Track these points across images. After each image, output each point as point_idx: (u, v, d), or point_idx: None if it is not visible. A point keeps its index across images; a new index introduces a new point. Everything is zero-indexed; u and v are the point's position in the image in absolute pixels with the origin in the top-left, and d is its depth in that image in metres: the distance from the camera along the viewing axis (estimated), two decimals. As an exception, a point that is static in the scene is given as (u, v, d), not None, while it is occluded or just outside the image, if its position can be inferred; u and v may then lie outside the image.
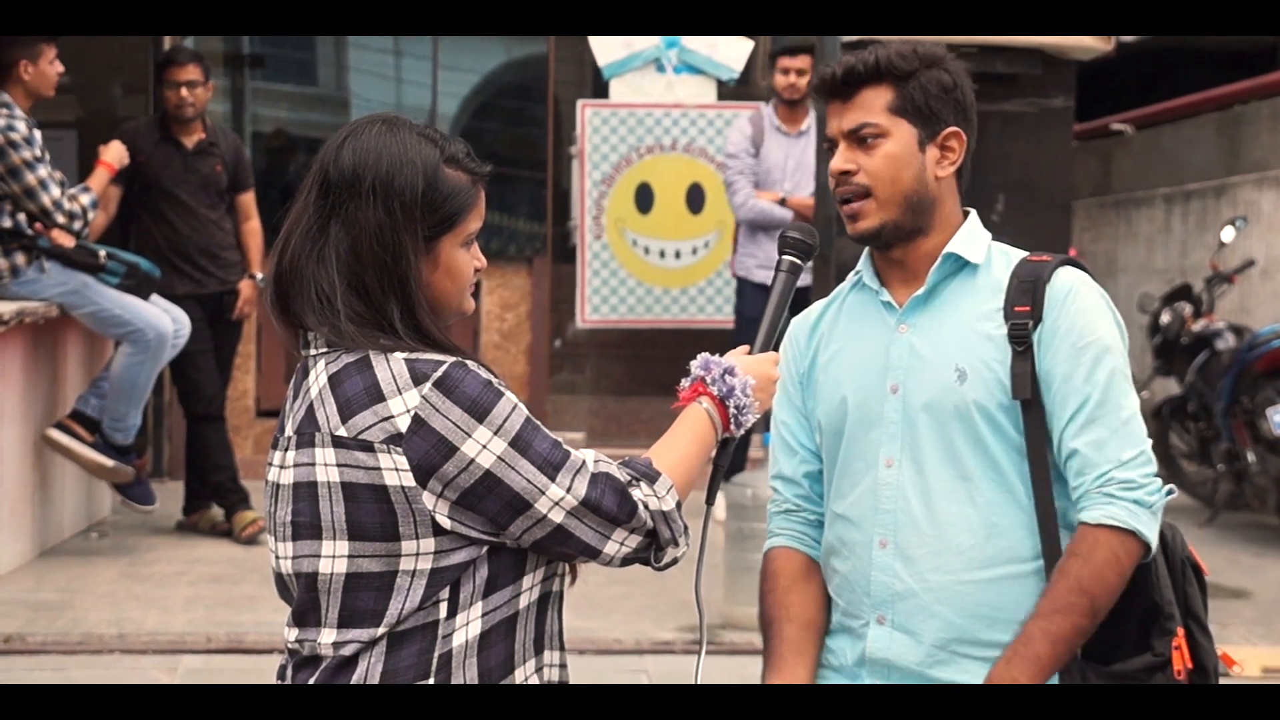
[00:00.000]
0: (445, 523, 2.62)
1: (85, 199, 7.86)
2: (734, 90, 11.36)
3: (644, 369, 11.59)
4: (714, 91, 11.15)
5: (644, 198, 11.03)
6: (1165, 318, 10.37)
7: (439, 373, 2.61)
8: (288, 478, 2.71)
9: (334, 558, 2.66)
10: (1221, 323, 10.13)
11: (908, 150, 3.06)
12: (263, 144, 11.19)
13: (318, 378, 2.69)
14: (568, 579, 2.84)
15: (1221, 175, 11.77)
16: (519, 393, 10.77)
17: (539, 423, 2.68)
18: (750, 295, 9.35)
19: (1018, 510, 3.03)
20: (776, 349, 3.08)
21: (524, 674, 2.73)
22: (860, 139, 3.06)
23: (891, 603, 3.08)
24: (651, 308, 11.00)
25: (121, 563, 8.11)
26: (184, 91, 8.54)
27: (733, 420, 2.88)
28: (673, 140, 11.01)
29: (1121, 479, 2.97)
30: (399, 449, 2.59)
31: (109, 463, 8.02)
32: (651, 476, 2.73)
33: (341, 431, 2.63)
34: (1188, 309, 10.30)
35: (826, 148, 3.14)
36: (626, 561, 2.72)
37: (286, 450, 2.72)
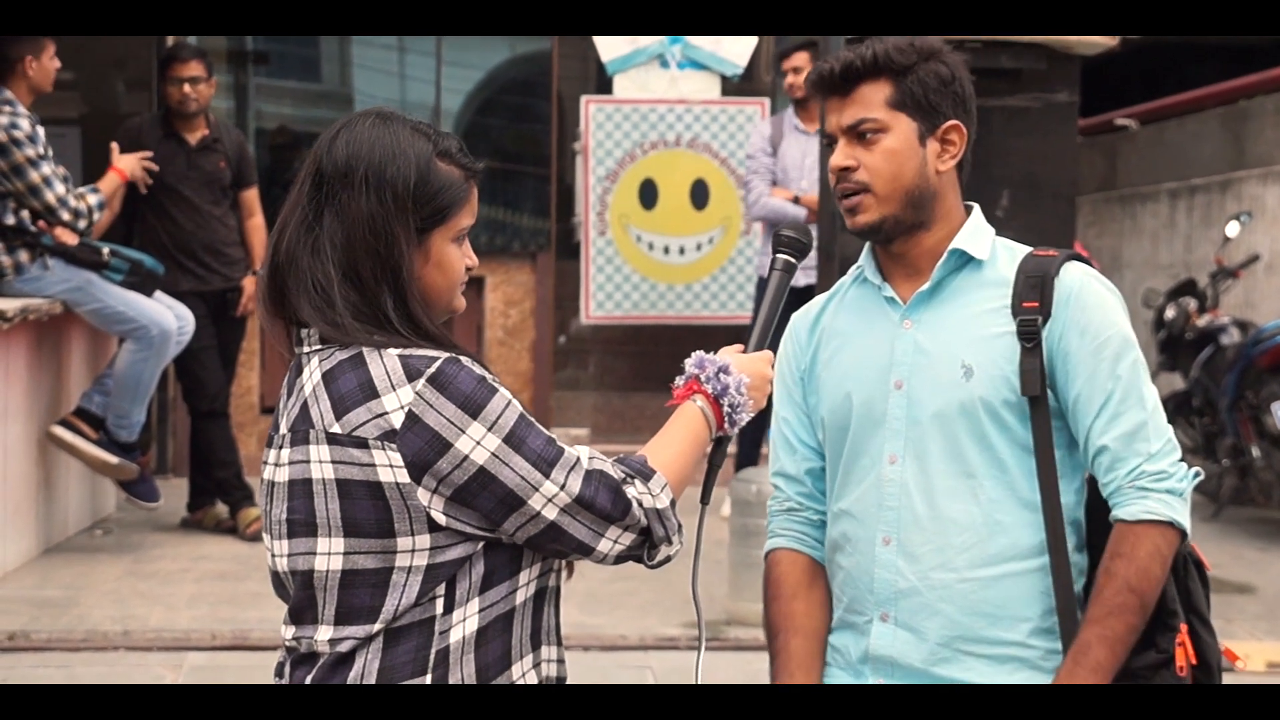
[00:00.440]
0: (440, 519, 2.62)
1: (93, 199, 7.86)
2: (738, 86, 11.35)
3: (648, 365, 11.59)
4: (718, 87, 11.14)
5: (648, 193, 11.02)
6: (1170, 313, 10.36)
7: (432, 369, 2.61)
8: (283, 475, 2.71)
9: (329, 555, 2.66)
10: (1226, 318, 10.12)
11: (908, 145, 3.05)
12: (266, 140, 11.19)
13: (311, 375, 2.69)
14: (564, 574, 2.84)
15: (1226, 170, 11.75)
16: (523, 389, 10.75)
17: (533, 419, 2.68)
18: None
19: (1021, 507, 3.02)
20: (773, 348, 3.07)
21: (521, 670, 2.72)
22: (860, 134, 3.05)
23: (895, 600, 3.07)
24: (656, 304, 10.99)
25: (126, 560, 8.11)
26: (187, 88, 8.54)
27: (727, 419, 2.90)
28: (677, 136, 11.01)
29: (1153, 471, 2.97)
30: (393, 445, 2.59)
31: (113, 460, 8.03)
32: (646, 474, 2.73)
33: (336, 428, 2.63)
34: (1192, 304, 10.29)
35: (826, 144, 3.13)
36: (620, 559, 2.72)
37: (281, 448, 2.72)
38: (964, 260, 3.10)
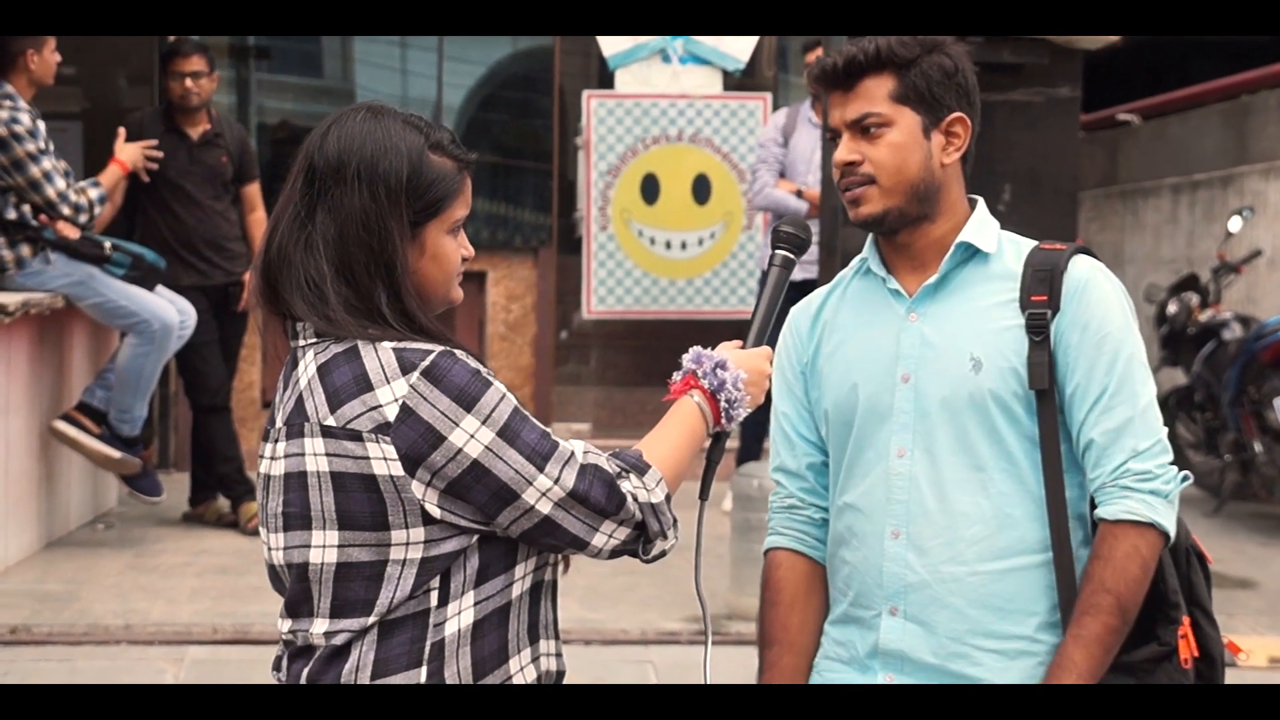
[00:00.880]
0: (435, 512, 2.61)
1: (94, 193, 7.85)
2: (740, 81, 11.35)
3: (650, 360, 11.59)
4: (720, 82, 11.14)
5: (650, 188, 11.02)
6: (1172, 308, 10.36)
7: (427, 362, 2.61)
8: (278, 469, 2.71)
9: (324, 548, 2.66)
10: (1228, 313, 10.12)
11: (912, 138, 3.04)
12: (268, 135, 11.19)
13: (306, 368, 2.69)
14: (560, 568, 2.83)
15: (1228, 165, 11.75)
16: (525, 384, 10.73)
17: (528, 412, 2.68)
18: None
19: (1030, 501, 3.01)
20: (771, 343, 3.07)
21: (519, 664, 2.72)
22: (864, 129, 3.03)
23: (904, 594, 3.06)
24: (658, 299, 10.99)
25: (128, 554, 8.11)
26: (189, 82, 8.54)
27: (724, 414, 2.89)
28: (679, 131, 11.00)
29: (1137, 470, 2.96)
30: (387, 438, 2.59)
31: (115, 454, 8.02)
32: (641, 468, 2.72)
33: (330, 421, 2.63)
34: (1194, 299, 10.29)
35: (830, 138, 3.12)
36: (615, 554, 2.71)
37: (277, 441, 2.73)
38: (970, 253, 3.09)
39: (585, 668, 5.96)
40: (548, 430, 2.67)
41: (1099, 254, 3.15)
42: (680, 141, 11.02)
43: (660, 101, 10.99)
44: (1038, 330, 3.00)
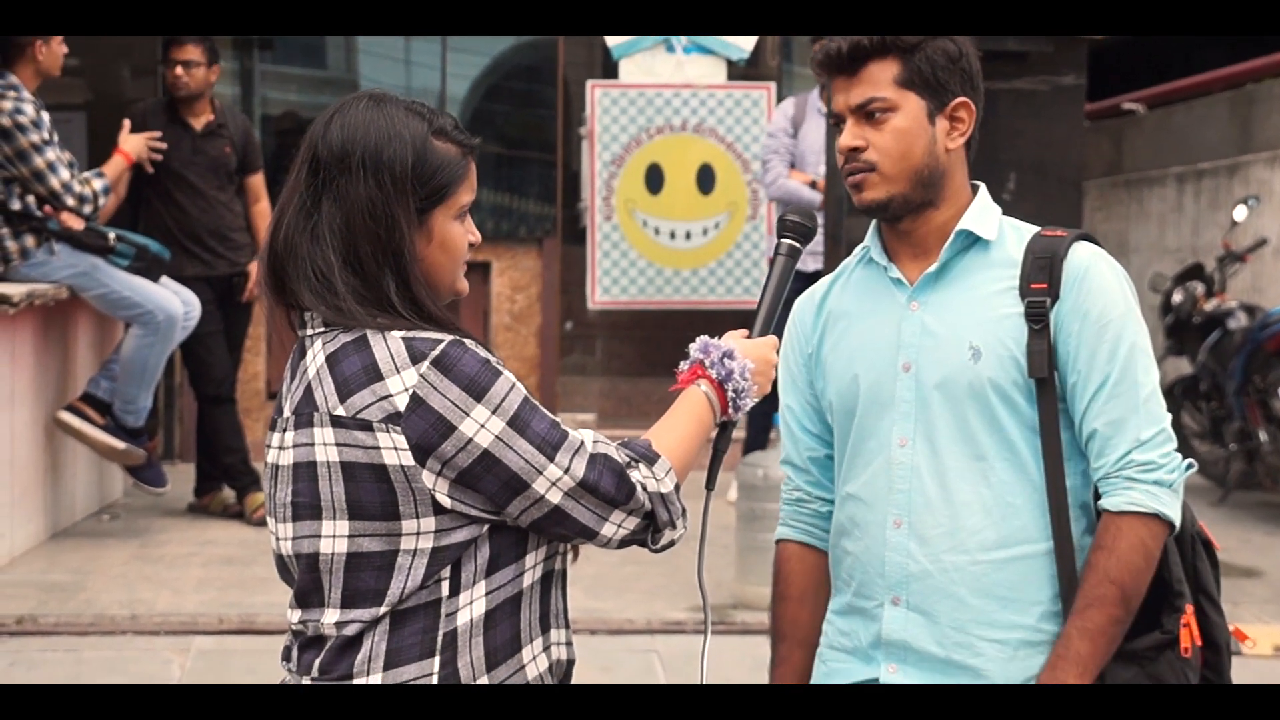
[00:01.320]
0: (445, 501, 2.61)
1: (98, 184, 7.85)
2: (744, 71, 11.33)
3: (655, 350, 11.58)
4: (724, 72, 11.13)
5: (654, 178, 11.02)
6: (1177, 297, 10.35)
7: (436, 351, 2.60)
8: (286, 459, 2.71)
9: (334, 538, 2.66)
10: (1234, 302, 10.10)
11: (917, 123, 3.02)
12: (272, 126, 11.18)
13: (315, 358, 2.68)
14: (569, 557, 2.83)
15: (1234, 154, 11.73)
16: (529, 375, 10.74)
17: (537, 402, 2.67)
18: None
19: (1031, 490, 3.01)
20: (777, 333, 3.06)
21: (531, 653, 2.72)
22: (868, 114, 3.02)
23: (906, 584, 3.06)
24: (662, 289, 10.99)
25: (133, 544, 8.12)
26: (179, 70, 8.52)
27: (731, 404, 2.89)
28: (683, 121, 11.00)
29: (1141, 460, 2.95)
30: (397, 428, 2.59)
31: (120, 445, 8.03)
32: (650, 458, 2.73)
33: (340, 411, 2.62)
34: (1200, 288, 10.27)
35: (833, 123, 3.11)
36: (624, 543, 2.72)
37: (285, 431, 2.72)
38: (971, 241, 3.08)
39: (591, 657, 5.95)
40: (557, 420, 2.68)
41: (1104, 243, 3.14)
42: (684, 131, 11.02)
43: (664, 91, 10.98)
44: (1037, 318, 2.99)
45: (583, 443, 2.66)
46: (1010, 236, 3.09)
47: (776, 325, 3.07)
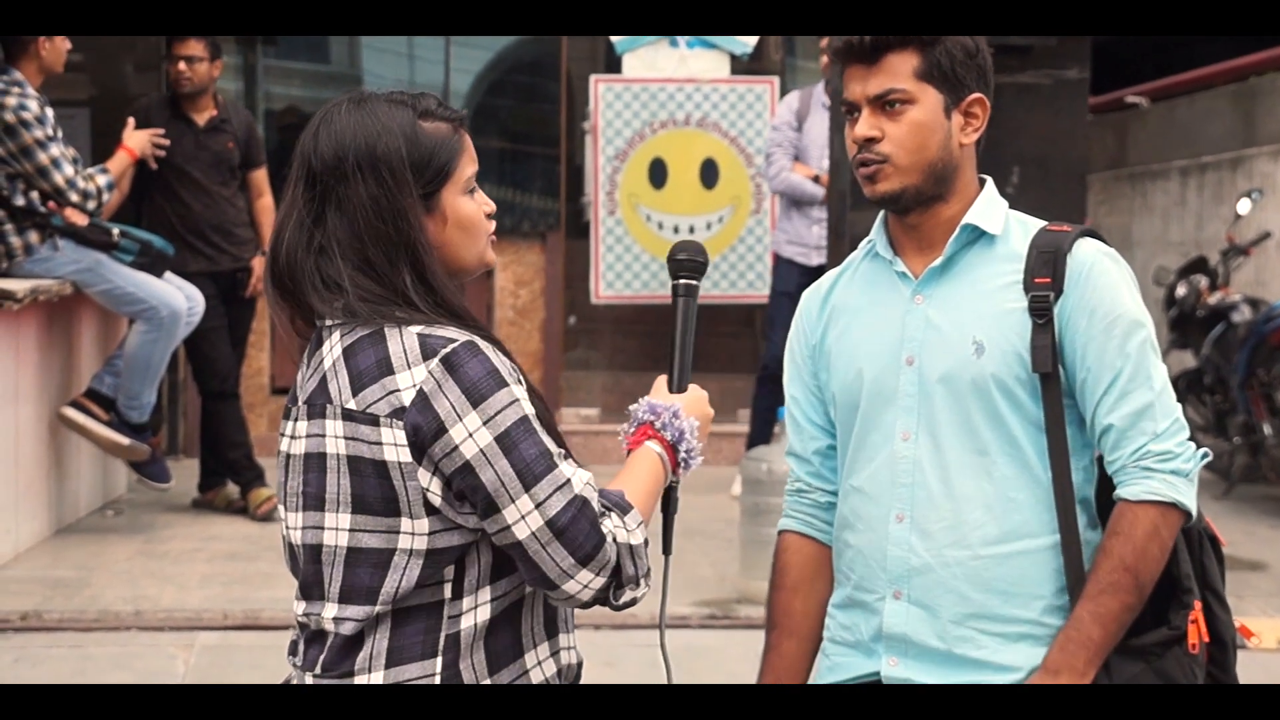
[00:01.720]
0: (436, 501, 2.59)
1: (102, 180, 7.85)
2: (747, 65, 11.32)
3: (658, 345, 11.57)
4: (727, 66, 11.12)
5: (658, 173, 11.01)
6: (1181, 291, 10.34)
7: (448, 349, 2.58)
8: (298, 448, 2.70)
9: (337, 530, 2.65)
10: (1237, 295, 10.10)
11: (934, 117, 3.01)
12: (275, 121, 11.18)
13: (332, 349, 2.67)
14: None
15: (1237, 147, 11.72)
16: (533, 369, 10.74)
17: (539, 428, 2.61)
18: (779, 271, 9.31)
19: (1034, 485, 3.01)
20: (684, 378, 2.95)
21: (535, 658, 2.70)
22: (886, 104, 3.01)
23: (908, 578, 3.06)
24: (666, 283, 10.90)
25: (137, 540, 8.12)
26: (181, 65, 8.52)
27: (682, 464, 2.81)
28: (686, 115, 10.99)
29: (1158, 451, 2.95)
30: (400, 423, 2.57)
31: (124, 441, 8.03)
32: (625, 507, 2.65)
33: (351, 405, 2.61)
34: (1203, 282, 10.27)
35: (845, 112, 3.09)
36: (590, 603, 2.63)
37: (297, 420, 2.71)
38: (976, 235, 3.07)
39: (594, 653, 5.94)
40: (554, 451, 2.61)
41: (1108, 237, 3.14)
42: (688, 126, 11.01)
43: (668, 86, 10.98)
44: (1041, 313, 2.98)
45: (569, 480, 2.59)
46: (1016, 231, 3.08)
47: (783, 322, 3.06)
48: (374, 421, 2.59)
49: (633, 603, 2.64)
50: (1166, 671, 2.97)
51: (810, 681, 3.23)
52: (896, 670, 3.07)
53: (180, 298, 8.02)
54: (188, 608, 6.94)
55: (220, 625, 6.78)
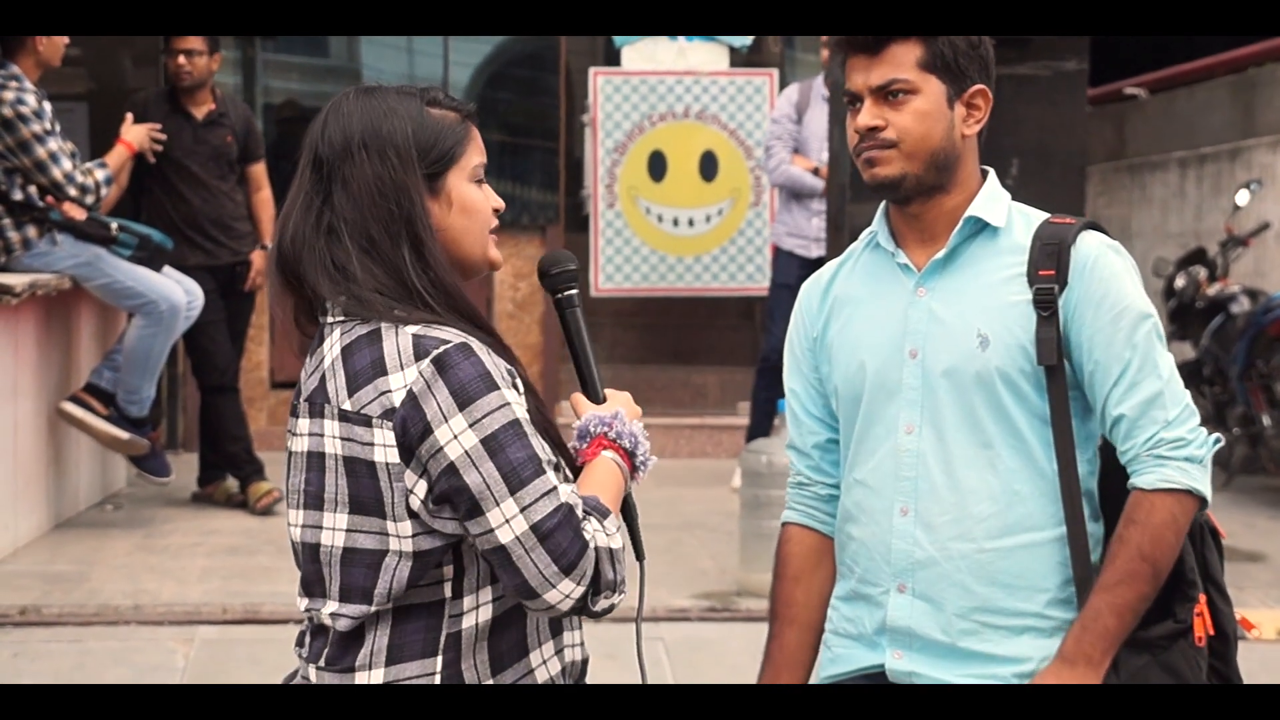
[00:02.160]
0: (415, 504, 2.58)
1: (100, 174, 7.85)
2: (746, 58, 11.32)
3: (658, 337, 11.59)
4: (726, 58, 11.12)
5: (657, 166, 11.01)
6: (1180, 282, 10.34)
7: (439, 350, 2.57)
8: (301, 445, 2.70)
9: (334, 530, 2.65)
10: (1236, 286, 10.10)
11: (938, 107, 3.01)
12: (274, 115, 11.17)
13: (332, 348, 2.67)
14: None
15: (1236, 139, 11.72)
16: (532, 362, 10.73)
17: (530, 433, 2.58)
18: (779, 263, 9.31)
19: (1038, 477, 3.01)
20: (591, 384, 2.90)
21: (540, 657, 2.70)
22: (889, 94, 3.01)
23: (912, 571, 3.05)
24: (665, 276, 10.98)
25: (137, 535, 8.12)
26: (181, 59, 8.51)
27: (640, 468, 2.79)
28: (685, 108, 10.99)
29: (1170, 439, 2.96)
30: (389, 424, 2.57)
31: (124, 435, 8.02)
32: (604, 511, 2.63)
33: (347, 406, 2.61)
34: (1202, 273, 10.27)
35: (848, 102, 3.08)
36: (569, 613, 2.59)
37: (300, 418, 2.71)
38: (980, 227, 3.07)
39: (595, 645, 5.95)
40: (543, 458, 2.58)
41: (1107, 228, 3.14)
42: (687, 118, 11.01)
43: (667, 78, 10.97)
44: (1045, 305, 2.98)
45: (555, 488, 2.56)
46: (1019, 223, 3.08)
47: (782, 314, 3.05)
48: (367, 422, 2.59)
49: (610, 609, 2.61)
50: (1172, 664, 2.97)
51: (813, 673, 3.23)
52: (901, 663, 3.07)
53: (179, 292, 8.02)
54: (187, 602, 6.94)
55: (220, 619, 6.77)
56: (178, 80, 8.58)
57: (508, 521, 2.53)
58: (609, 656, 6.31)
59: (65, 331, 8.36)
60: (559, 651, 2.74)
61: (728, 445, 10.42)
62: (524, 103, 11.63)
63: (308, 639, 2.75)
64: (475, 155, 2.74)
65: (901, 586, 3.07)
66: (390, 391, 2.57)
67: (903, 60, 3.01)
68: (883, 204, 3.15)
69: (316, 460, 2.67)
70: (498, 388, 2.57)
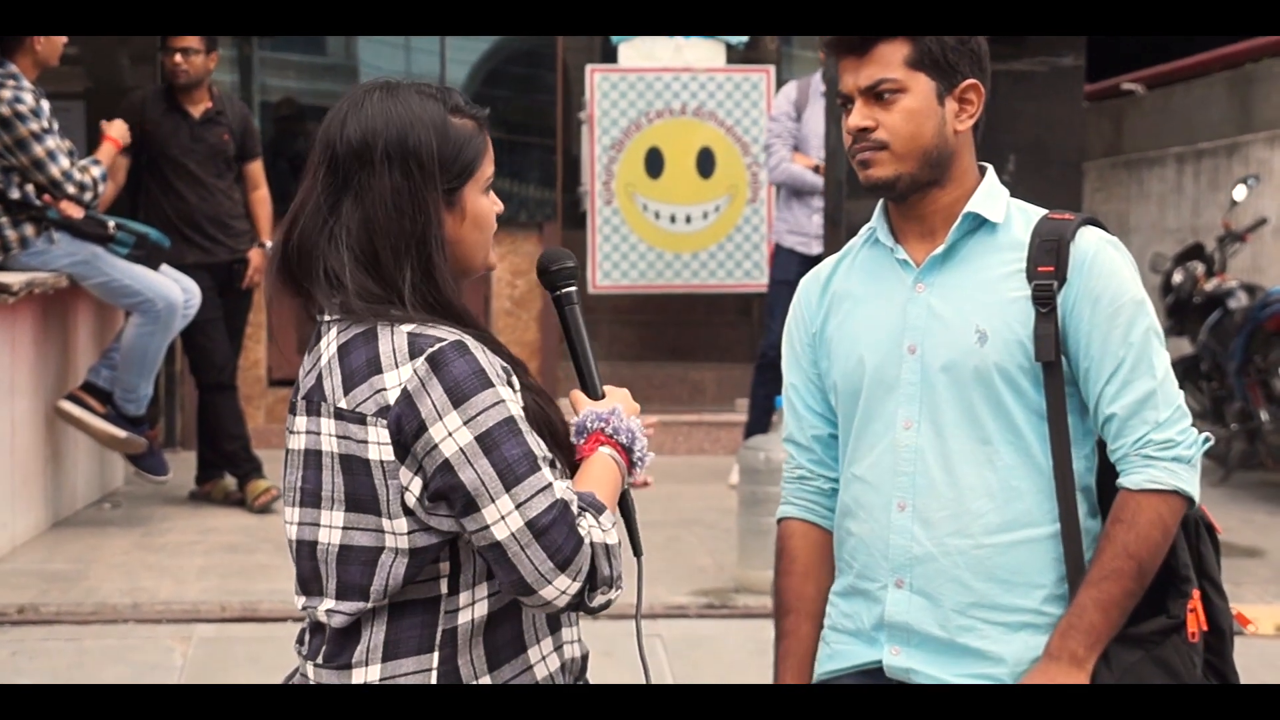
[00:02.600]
0: (410, 502, 2.58)
1: (95, 171, 7.85)
2: (743, 54, 11.32)
3: (656, 334, 11.59)
4: (723, 55, 11.12)
5: (654, 162, 11.01)
6: (1177, 277, 10.34)
7: (434, 348, 2.57)
8: (298, 443, 2.70)
9: (330, 528, 2.65)
10: (1234, 282, 10.10)
11: (927, 104, 3.01)
12: (271, 113, 11.17)
13: (329, 346, 2.67)
14: None
15: (1233, 134, 11.72)
16: (530, 359, 10.71)
17: (525, 429, 2.58)
18: (779, 260, 9.31)
19: (1036, 474, 3.01)
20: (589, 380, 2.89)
21: (540, 653, 2.70)
22: (878, 95, 3.01)
23: (910, 566, 3.06)
24: (663, 272, 10.98)
25: (135, 533, 8.12)
26: (178, 58, 8.51)
27: (638, 464, 2.78)
28: (682, 104, 10.99)
29: (1159, 440, 2.96)
30: (384, 421, 2.57)
31: (121, 434, 8.02)
32: (599, 507, 2.62)
33: (342, 404, 2.61)
34: (1200, 268, 10.27)
35: (840, 103, 3.09)
36: (566, 609, 2.59)
37: (298, 415, 2.71)
38: (978, 223, 3.07)
39: (593, 642, 5.96)
40: (538, 455, 2.58)
41: (1105, 224, 3.14)
42: (684, 115, 11.00)
43: (663, 75, 10.97)
44: (1044, 301, 2.99)
45: (550, 484, 2.56)
46: (1017, 219, 3.08)
47: (782, 310, 3.05)
48: (362, 420, 2.59)
49: (607, 605, 2.61)
50: (1165, 660, 2.97)
51: (813, 668, 3.23)
52: (898, 660, 3.08)
53: (176, 290, 8.02)
54: (185, 600, 6.94)
55: (218, 617, 6.77)
56: (175, 79, 8.58)
57: (503, 518, 2.53)
58: (606, 653, 6.30)
59: (63, 330, 8.36)
60: (558, 648, 2.74)
61: (725, 442, 10.42)
62: (521, 100, 11.63)
63: (307, 636, 2.75)
64: (489, 165, 2.73)
65: (899, 582, 3.07)
66: (385, 389, 2.57)
67: (890, 60, 3.01)
68: (881, 199, 3.15)
69: (313, 458, 2.66)
70: (492, 385, 2.57)
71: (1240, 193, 10.26)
